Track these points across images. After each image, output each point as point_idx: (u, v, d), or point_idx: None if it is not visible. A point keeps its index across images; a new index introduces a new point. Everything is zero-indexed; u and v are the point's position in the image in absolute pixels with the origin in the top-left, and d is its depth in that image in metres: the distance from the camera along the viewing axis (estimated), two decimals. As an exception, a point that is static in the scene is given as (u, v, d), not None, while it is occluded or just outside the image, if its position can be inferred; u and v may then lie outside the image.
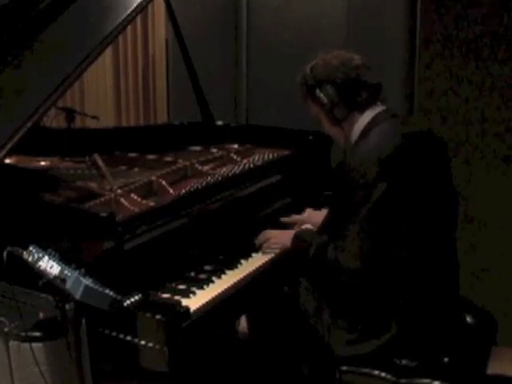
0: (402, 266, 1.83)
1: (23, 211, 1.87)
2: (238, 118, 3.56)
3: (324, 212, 2.39)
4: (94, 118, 3.29)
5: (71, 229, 1.77)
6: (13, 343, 1.81)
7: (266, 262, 2.11)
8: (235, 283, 1.94)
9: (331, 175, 2.75)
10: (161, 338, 1.61)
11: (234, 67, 3.55)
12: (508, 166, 2.91)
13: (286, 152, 2.68)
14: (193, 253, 2.01)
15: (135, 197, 2.03)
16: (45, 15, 2.26)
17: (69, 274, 1.46)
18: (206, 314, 1.77)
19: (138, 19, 3.81)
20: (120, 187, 2.08)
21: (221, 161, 2.60)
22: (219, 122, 2.97)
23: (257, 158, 2.62)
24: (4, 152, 1.91)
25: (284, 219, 2.39)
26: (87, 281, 1.45)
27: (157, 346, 1.62)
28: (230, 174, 2.36)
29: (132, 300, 1.58)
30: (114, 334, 1.68)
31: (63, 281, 1.46)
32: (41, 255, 1.50)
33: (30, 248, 1.53)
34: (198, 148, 2.79)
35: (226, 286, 1.90)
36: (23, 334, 1.77)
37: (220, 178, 2.29)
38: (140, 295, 1.62)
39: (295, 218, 2.40)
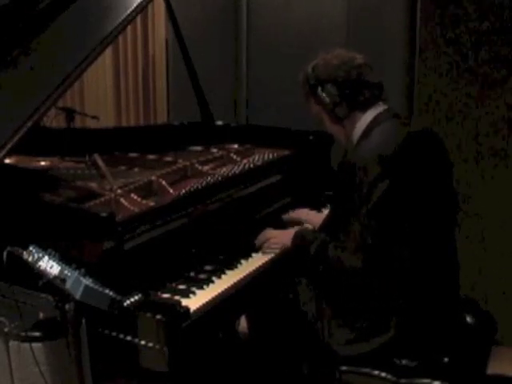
0: (402, 265, 1.83)
1: (23, 211, 1.87)
2: (238, 118, 3.56)
3: (323, 213, 2.40)
4: (93, 117, 3.29)
5: (71, 229, 1.77)
6: (13, 343, 1.81)
7: (266, 262, 2.11)
8: (235, 283, 1.93)
9: (331, 175, 2.75)
10: (161, 337, 1.61)
11: (234, 67, 3.55)
12: (508, 164, 2.91)
13: (286, 152, 2.68)
14: (193, 253, 2.01)
15: (135, 197, 2.03)
16: (45, 15, 2.26)
17: (69, 274, 1.46)
18: (206, 314, 1.77)
19: (138, 19, 3.82)
20: (120, 187, 2.08)
21: (221, 161, 2.60)
22: (219, 122, 2.97)
23: (257, 158, 2.62)
24: (4, 152, 1.91)
25: (286, 217, 2.40)
26: (87, 281, 1.45)
27: (157, 346, 1.62)
28: (230, 174, 2.35)
29: (132, 300, 1.58)
30: (114, 333, 1.68)
31: (63, 281, 1.46)
32: (41, 255, 1.50)
33: (30, 248, 1.53)
34: (197, 148, 2.79)
35: (226, 286, 1.90)
36: (23, 333, 1.77)
37: (220, 178, 2.29)
38: (140, 295, 1.62)
39: (293, 214, 2.40)
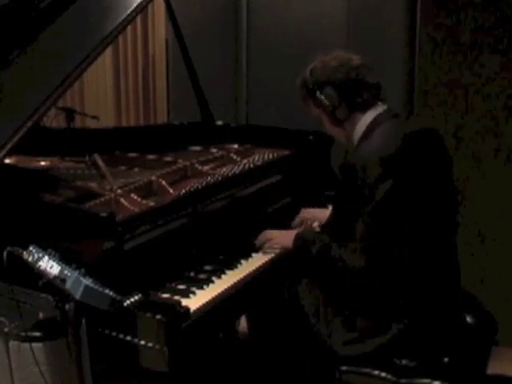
0: (403, 265, 1.83)
1: (23, 211, 1.87)
2: (238, 118, 3.56)
3: (328, 209, 2.40)
4: (94, 117, 3.29)
5: (71, 229, 1.77)
6: (13, 343, 1.81)
7: (266, 262, 2.11)
8: (235, 283, 1.93)
9: (331, 175, 2.75)
10: (161, 337, 1.61)
11: (234, 67, 3.55)
12: (509, 163, 2.91)
13: (286, 152, 2.68)
14: (193, 253, 2.01)
15: (135, 197, 2.03)
16: (45, 15, 2.27)
17: (69, 274, 1.46)
18: (206, 314, 1.77)
19: (138, 19, 3.81)
20: (120, 187, 2.08)
21: (221, 161, 2.60)
22: (219, 122, 2.97)
23: (257, 157, 2.62)
24: (4, 152, 1.91)
25: (295, 223, 2.40)
26: (87, 281, 1.45)
27: (157, 346, 1.62)
28: (230, 174, 2.35)
29: (132, 300, 1.58)
30: (114, 333, 1.68)
31: (63, 281, 1.46)
32: (41, 255, 1.51)
33: (30, 248, 1.53)
34: (197, 148, 2.79)
35: (225, 286, 1.90)
36: (23, 333, 1.77)
37: (220, 178, 2.29)
38: (140, 295, 1.62)
39: (300, 217, 2.41)
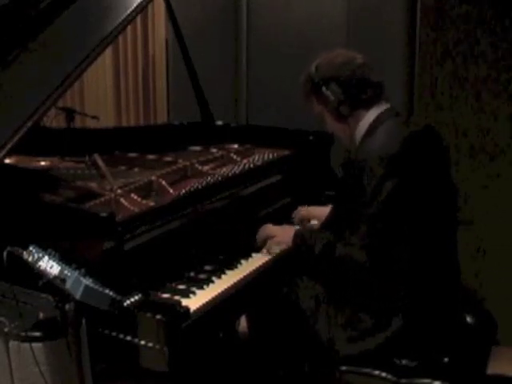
0: (404, 264, 1.84)
1: (23, 211, 1.87)
2: (238, 118, 3.56)
3: (327, 207, 2.40)
4: (94, 117, 3.29)
5: (71, 229, 1.77)
6: (13, 343, 1.81)
7: (266, 262, 2.11)
8: (235, 283, 1.93)
9: (331, 175, 2.75)
10: (161, 338, 1.61)
11: (234, 67, 3.55)
12: (509, 162, 2.91)
13: (286, 152, 2.68)
14: (193, 253, 2.01)
15: (135, 197, 2.03)
16: (45, 15, 2.26)
17: (69, 274, 1.46)
18: (206, 314, 1.77)
19: (138, 19, 3.81)
20: (120, 187, 2.08)
21: (221, 161, 2.60)
22: (219, 122, 2.97)
23: (257, 157, 2.62)
24: (4, 152, 1.91)
25: (296, 220, 2.40)
26: (87, 281, 1.45)
27: (157, 346, 1.62)
28: (230, 174, 2.35)
29: (132, 300, 1.58)
30: (114, 333, 1.68)
31: (63, 281, 1.46)
32: (41, 255, 1.50)
33: (30, 248, 1.52)
34: (197, 148, 2.79)
35: (225, 286, 1.90)
36: (23, 333, 1.77)
37: (220, 178, 2.29)
38: (140, 295, 1.62)
39: (300, 214, 2.41)
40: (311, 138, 2.76)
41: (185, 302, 1.75)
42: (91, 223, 1.74)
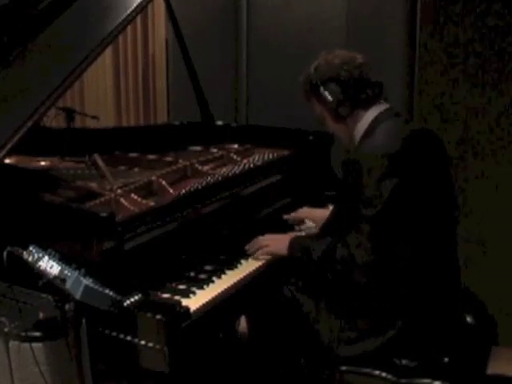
0: (404, 264, 1.84)
1: (23, 211, 1.87)
2: (238, 118, 3.56)
3: (326, 209, 2.40)
4: (94, 117, 3.29)
5: (71, 229, 1.77)
6: (13, 343, 1.81)
7: (267, 262, 2.10)
8: (235, 283, 1.93)
9: (331, 175, 2.75)
10: (161, 337, 1.61)
11: (234, 67, 3.55)
12: (508, 162, 2.91)
13: (286, 152, 2.68)
14: (193, 253, 2.01)
15: (135, 197, 2.03)
16: (45, 15, 2.26)
17: (69, 274, 1.46)
18: (206, 314, 1.77)
19: (138, 19, 3.81)
20: (120, 187, 2.08)
21: (221, 161, 2.60)
22: (219, 122, 2.97)
23: (257, 157, 2.62)
24: (4, 152, 1.91)
25: (289, 218, 2.40)
26: (87, 281, 1.45)
27: (157, 346, 1.62)
28: (230, 174, 2.35)
29: (132, 300, 1.58)
30: (114, 333, 1.68)
31: (63, 281, 1.46)
32: (41, 255, 1.50)
33: (30, 248, 1.53)
34: (198, 148, 2.79)
35: (225, 286, 1.90)
36: (23, 333, 1.77)
37: (220, 178, 2.29)
38: (140, 295, 1.62)
39: (296, 214, 2.40)
40: (311, 138, 2.76)
41: (185, 302, 1.75)
42: (91, 223, 1.74)
